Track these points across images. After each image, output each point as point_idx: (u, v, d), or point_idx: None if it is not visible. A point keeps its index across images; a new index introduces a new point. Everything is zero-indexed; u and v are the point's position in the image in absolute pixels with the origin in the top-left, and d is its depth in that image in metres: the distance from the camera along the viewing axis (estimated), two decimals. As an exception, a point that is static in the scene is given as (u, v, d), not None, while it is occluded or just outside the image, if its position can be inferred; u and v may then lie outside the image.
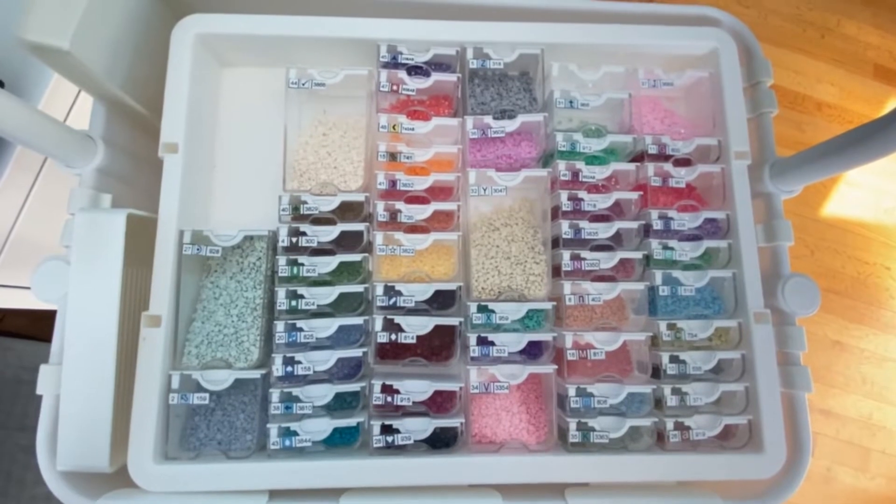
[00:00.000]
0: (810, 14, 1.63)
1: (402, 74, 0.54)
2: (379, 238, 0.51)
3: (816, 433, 1.42)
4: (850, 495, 1.39)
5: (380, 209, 0.51)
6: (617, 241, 0.53)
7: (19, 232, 0.71)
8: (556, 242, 0.54)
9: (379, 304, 0.50)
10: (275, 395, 0.48)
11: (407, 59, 0.55)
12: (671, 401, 0.50)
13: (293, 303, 0.49)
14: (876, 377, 1.45)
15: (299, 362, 0.48)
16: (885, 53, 1.64)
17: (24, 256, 0.73)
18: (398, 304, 0.50)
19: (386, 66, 0.55)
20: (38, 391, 0.47)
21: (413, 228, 0.52)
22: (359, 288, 0.50)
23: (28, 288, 0.73)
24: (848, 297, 1.49)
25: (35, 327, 1.21)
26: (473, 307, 0.50)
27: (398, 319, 0.50)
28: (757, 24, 1.60)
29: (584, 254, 0.52)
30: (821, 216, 1.51)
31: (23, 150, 0.68)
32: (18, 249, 0.72)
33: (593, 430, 0.49)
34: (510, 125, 0.54)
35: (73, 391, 0.45)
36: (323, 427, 0.48)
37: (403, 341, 0.49)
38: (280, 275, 0.50)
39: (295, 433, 0.48)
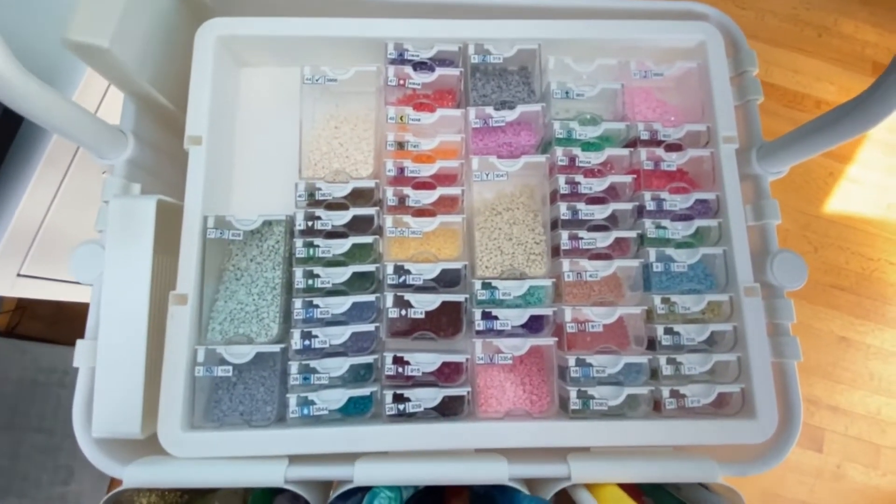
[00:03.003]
0: (807, 14, 1.66)
1: (409, 70, 0.58)
2: (389, 221, 0.55)
3: (825, 429, 1.42)
4: (862, 493, 1.39)
5: (389, 194, 0.55)
6: (612, 221, 0.56)
7: (48, 225, 0.76)
8: (554, 224, 0.57)
9: (389, 282, 0.53)
10: (293, 366, 0.51)
11: (412, 55, 0.59)
12: (666, 370, 0.53)
13: (310, 282, 0.53)
14: (883, 373, 1.45)
15: (316, 336, 0.52)
16: (884, 50, 1.65)
17: (53, 249, 0.77)
18: (407, 283, 0.53)
19: (393, 62, 0.59)
20: (75, 364, 0.51)
21: (420, 212, 0.55)
22: (370, 267, 0.54)
23: (56, 280, 0.78)
24: (853, 293, 1.50)
25: (51, 331, 1.25)
26: (478, 284, 0.53)
27: (408, 296, 0.53)
28: (754, 24, 1.63)
29: (582, 233, 0.55)
30: (824, 213, 1.52)
31: (52, 151, 0.73)
32: (47, 242, 0.77)
33: (593, 398, 0.52)
34: (510, 115, 0.58)
35: (107, 363, 0.49)
36: (338, 396, 0.51)
37: (413, 316, 0.53)
38: (297, 256, 0.54)
39: (312, 402, 0.51)
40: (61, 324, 1.26)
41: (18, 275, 0.74)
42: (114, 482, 1.16)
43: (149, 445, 0.51)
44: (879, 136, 1.58)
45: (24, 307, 1.24)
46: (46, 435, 1.16)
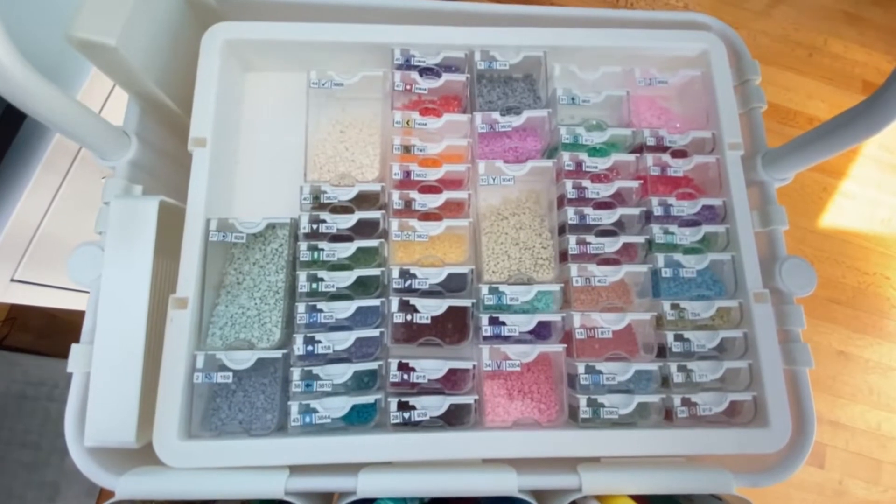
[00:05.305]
0: (797, 34, 1.70)
1: (415, 75, 0.58)
2: (394, 225, 0.54)
3: (826, 445, 1.41)
4: (864, 509, 1.37)
5: (395, 198, 0.54)
6: (619, 227, 0.56)
7: (44, 230, 0.74)
8: (562, 229, 0.56)
9: (395, 286, 0.52)
10: (296, 373, 0.50)
11: (419, 61, 0.59)
12: (677, 378, 0.52)
13: (314, 285, 0.52)
14: (882, 387, 1.45)
15: (319, 342, 0.50)
16: (873, 69, 1.69)
17: (48, 255, 0.76)
18: (413, 287, 0.52)
19: (399, 67, 0.59)
20: (69, 369, 0.49)
21: (427, 216, 0.55)
22: (376, 271, 0.53)
23: (50, 286, 0.76)
24: (850, 307, 1.50)
25: (41, 343, 1.22)
26: (485, 289, 0.53)
27: (413, 301, 0.52)
28: (747, 44, 1.65)
29: (590, 238, 0.54)
30: (819, 228, 1.54)
31: (51, 155, 0.72)
32: (42, 248, 0.75)
33: (603, 406, 0.50)
34: (516, 120, 0.58)
35: (103, 368, 0.47)
36: (341, 404, 0.49)
37: (419, 321, 0.51)
38: (301, 259, 0.52)
39: (315, 410, 0.49)
40: (52, 336, 1.24)
41: (12, 280, 0.72)
42: (101, 500, 1.12)
43: (143, 455, 0.48)
44: (871, 153, 1.61)
45: (15, 318, 1.21)
46: (33, 450, 1.13)
